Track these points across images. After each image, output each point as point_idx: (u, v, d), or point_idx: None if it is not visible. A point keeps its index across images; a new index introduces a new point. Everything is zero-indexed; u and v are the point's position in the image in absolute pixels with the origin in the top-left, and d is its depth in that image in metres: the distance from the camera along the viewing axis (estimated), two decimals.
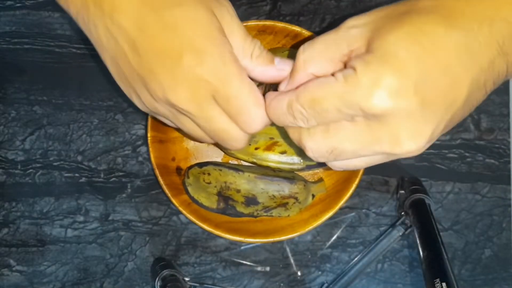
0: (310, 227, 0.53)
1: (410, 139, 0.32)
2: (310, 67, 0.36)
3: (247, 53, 0.40)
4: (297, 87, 0.36)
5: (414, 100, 0.31)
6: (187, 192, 0.55)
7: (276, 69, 0.40)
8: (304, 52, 0.36)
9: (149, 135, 0.54)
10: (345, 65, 0.34)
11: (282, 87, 0.38)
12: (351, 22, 0.35)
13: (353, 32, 0.34)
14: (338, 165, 0.37)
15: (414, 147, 0.33)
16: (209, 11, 0.38)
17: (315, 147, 0.36)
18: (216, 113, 0.39)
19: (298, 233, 0.54)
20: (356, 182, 0.53)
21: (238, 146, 0.42)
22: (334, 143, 0.35)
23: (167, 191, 0.53)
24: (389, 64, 0.31)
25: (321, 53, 0.35)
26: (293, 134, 0.38)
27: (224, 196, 0.54)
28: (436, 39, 0.31)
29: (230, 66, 0.38)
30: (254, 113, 0.39)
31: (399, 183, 0.60)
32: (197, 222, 0.53)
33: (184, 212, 0.53)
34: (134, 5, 0.38)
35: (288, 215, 0.55)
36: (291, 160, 0.54)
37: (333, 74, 0.34)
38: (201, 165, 0.55)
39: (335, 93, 0.33)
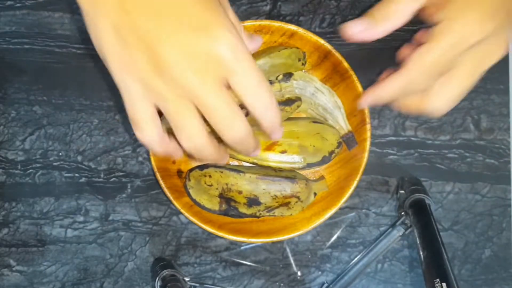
0: (313, 225, 0.53)
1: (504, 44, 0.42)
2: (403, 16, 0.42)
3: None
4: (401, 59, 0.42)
5: (503, 14, 0.41)
6: (189, 195, 0.55)
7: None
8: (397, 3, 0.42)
9: None
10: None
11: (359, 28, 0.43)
12: None
13: None
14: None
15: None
16: None
17: (450, 100, 0.43)
18: (225, 98, 0.35)
19: (301, 232, 0.53)
20: (358, 178, 0.53)
21: (249, 148, 0.40)
22: (466, 84, 0.43)
23: (168, 194, 0.53)
24: (473, 5, 0.40)
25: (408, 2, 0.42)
26: (409, 106, 0.45)
27: (226, 198, 0.54)
28: None
29: (244, 47, 0.35)
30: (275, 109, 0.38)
31: (399, 183, 0.60)
32: (200, 224, 0.53)
33: (186, 214, 0.53)
34: None
35: (291, 214, 0.55)
36: (292, 159, 0.54)
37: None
38: (202, 167, 0.55)
39: (450, 44, 0.40)
